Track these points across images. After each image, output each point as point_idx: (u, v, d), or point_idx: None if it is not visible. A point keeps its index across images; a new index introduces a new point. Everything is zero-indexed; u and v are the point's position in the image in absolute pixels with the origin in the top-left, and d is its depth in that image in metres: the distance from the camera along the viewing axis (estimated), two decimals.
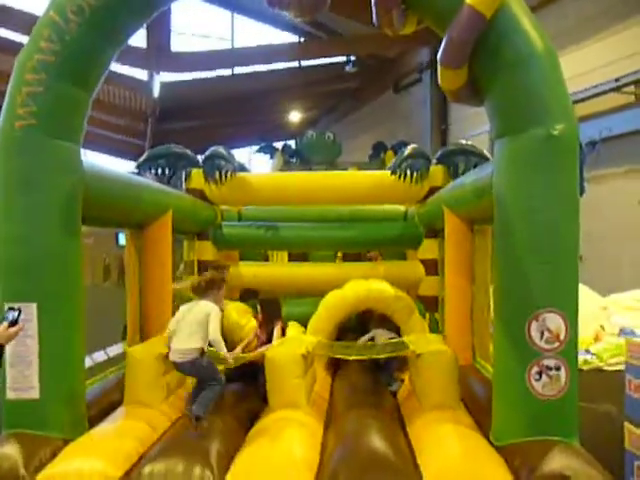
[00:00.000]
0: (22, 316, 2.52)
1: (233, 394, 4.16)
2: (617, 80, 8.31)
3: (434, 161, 6.00)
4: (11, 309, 2.50)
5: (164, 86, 15.58)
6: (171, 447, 3.04)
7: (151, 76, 15.50)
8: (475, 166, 5.40)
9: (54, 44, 3.14)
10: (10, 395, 3.07)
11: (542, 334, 2.94)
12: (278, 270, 6.75)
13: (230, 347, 5.33)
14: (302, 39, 17.20)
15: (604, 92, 8.40)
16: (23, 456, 2.83)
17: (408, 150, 6.05)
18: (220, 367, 3.89)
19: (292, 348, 3.93)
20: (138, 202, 4.40)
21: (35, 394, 3.12)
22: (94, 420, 3.48)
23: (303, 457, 3.04)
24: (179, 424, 3.57)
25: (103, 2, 3.15)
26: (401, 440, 3.34)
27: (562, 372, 2.96)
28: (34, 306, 3.12)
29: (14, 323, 2.47)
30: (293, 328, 5.35)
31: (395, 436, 3.32)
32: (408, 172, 5.86)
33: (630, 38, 8.40)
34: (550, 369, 2.95)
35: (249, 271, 6.35)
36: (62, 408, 3.21)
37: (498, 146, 3.21)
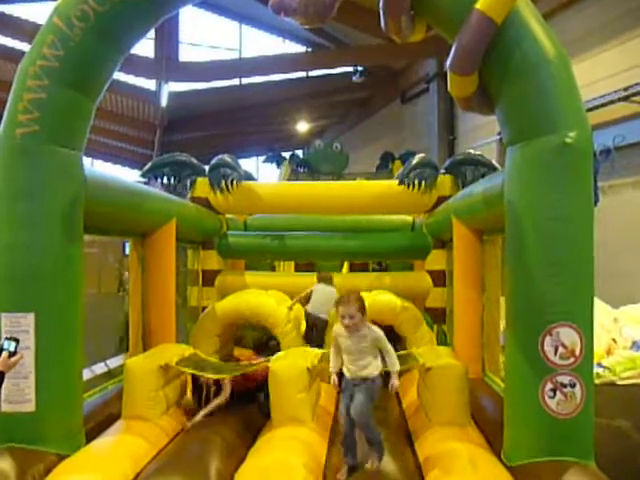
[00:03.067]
0: (20, 345, 2.53)
1: (234, 409, 4.06)
2: (626, 89, 8.21)
3: (442, 171, 5.94)
4: (8, 339, 2.51)
5: (172, 96, 15.63)
6: (169, 465, 2.95)
7: (159, 86, 15.56)
8: (483, 176, 5.33)
9: (58, 50, 3.09)
10: (5, 408, 2.96)
11: (556, 349, 2.82)
12: (284, 280, 6.66)
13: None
14: (310, 49, 17.25)
15: (612, 102, 8.30)
16: (16, 472, 2.73)
17: (416, 159, 5.99)
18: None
19: (296, 361, 3.82)
20: (141, 210, 4.34)
21: (31, 407, 3.02)
22: (93, 433, 3.40)
23: (305, 477, 2.92)
24: (178, 439, 3.48)
25: (108, 8, 3.09)
26: (409, 459, 3.22)
27: (577, 389, 2.83)
28: (32, 316, 3.04)
29: (14, 353, 2.48)
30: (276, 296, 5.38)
31: (402, 455, 3.20)
32: (416, 181, 5.80)
33: (639, 47, 8.32)
34: (565, 386, 2.82)
35: (255, 281, 6.28)
36: (58, 422, 3.12)
37: (510, 154, 3.12)
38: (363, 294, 5.15)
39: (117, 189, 3.95)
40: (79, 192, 3.25)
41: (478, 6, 2.87)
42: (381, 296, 5.08)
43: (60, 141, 3.17)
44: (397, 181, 5.97)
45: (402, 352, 4.44)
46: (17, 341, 2.50)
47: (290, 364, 3.75)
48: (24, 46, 11.13)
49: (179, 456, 3.15)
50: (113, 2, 3.08)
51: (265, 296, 5.25)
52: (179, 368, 3.89)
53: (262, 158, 12.08)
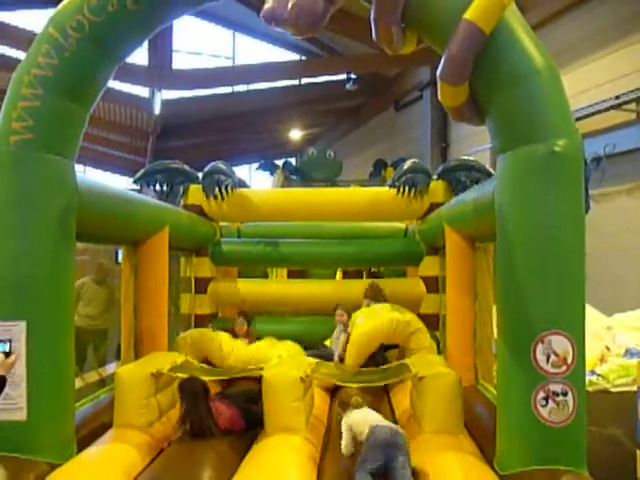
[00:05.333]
0: (13, 346, 2.53)
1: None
2: (617, 97, 8.30)
3: (435, 177, 5.95)
4: (0, 341, 2.51)
5: (165, 103, 15.64)
6: (162, 475, 2.93)
7: (152, 93, 15.57)
8: (477, 182, 5.35)
9: (52, 59, 3.11)
10: None
11: (548, 357, 2.83)
12: (277, 287, 6.67)
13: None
14: (303, 58, 17.33)
15: (604, 110, 8.39)
16: None
17: (407, 165, 6.01)
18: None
19: (290, 370, 3.81)
20: (133, 218, 4.33)
21: (22, 416, 3.00)
22: (85, 441, 3.37)
23: None
24: (170, 449, 3.46)
25: (103, 18, 3.11)
26: None
27: (569, 398, 2.84)
28: (23, 324, 3.03)
29: (8, 354, 2.47)
30: (291, 347, 5.25)
31: None
32: (407, 187, 5.81)
33: (630, 55, 8.41)
34: (557, 394, 2.83)
35: (247, 288, 6.27)
36: (50, 431, 3.09)
37: (500, 162, 3.15)
38: (375, 313, 5.14)
39: (109, 197, 3.95)
40: (71, 200, 3.25)
41: (467, 16, 2.90)
42: (394, 314, 4.97)
43: (53, 149, 3.17)
44: (389, 187, 5.99)
45: (395, 363, 4.43)
46: (10, 341, 2.49)
47: (283, 373, 3.74)
48: (19, 54, 11.14)
49: (171, 466, 3.13)
50: (108, 13, 3.09)
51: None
52: (171, 374, 3.88)
53: (255, 166, 12.08)
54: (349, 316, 5.14)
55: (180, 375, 3.89)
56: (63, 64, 3.11)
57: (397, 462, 2.91)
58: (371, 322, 4.97)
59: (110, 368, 6.12)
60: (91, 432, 3.56)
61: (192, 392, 3.69)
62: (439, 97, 3.27)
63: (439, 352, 5.16)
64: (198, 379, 3.80)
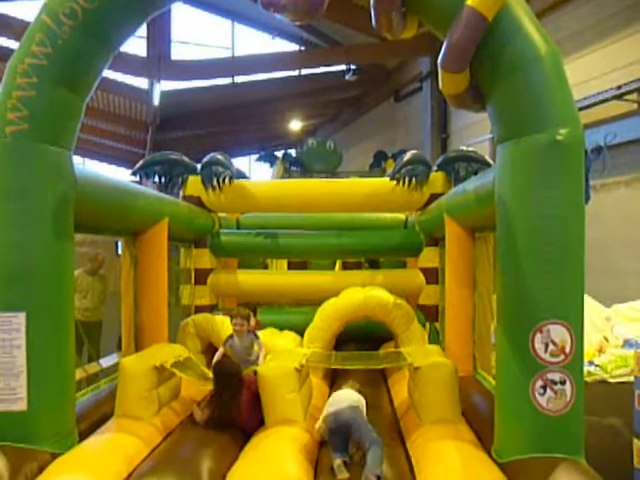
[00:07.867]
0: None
1: None
2: (619, 88, 8.26)
3: (435, 168, 5.94)
4: None
5: (164, 95, 15.58)
6: (162, 464, 2.94)
7: (151, 85, 15.50)
8: (476, 172, 5.34)
9: (46, 48, 3.07)
10: None
11: (547, 346, 2.83)
12: (277, 278, 6.67)
13: None
14: (303, 48, 17.24)
15: (605, 100, 8.35)
16: (9, 470, 2.72)
17: (408, 156, 6.00)
18: None
19: (284, 362, 3.81)
20: (132, 209, 4.31)
21: (23, 406, 3.00)
22: (86, 432, 3.38)
23: (297, 475, 2.92)
24: (171, 439, 3.47)
25: (97, 5, 3.07)
26: (401, 459, 3.23)
27: (567, 386, 2.84)
28: (23, 315, 3.02)
29: None
30: (289, 337, 5.27)
31: (394, 455, 3.20)
32: (407, 178, 5.80)
33: (632, 45, 8.36)
34: (555, 383, 2.84)
35: (247, 279, 6.28)
36: (51, 421, 3.10)
37: (500, 151, 3.13)
38: (354, 288, 5.21)
39: (108, 188, 3.93)
40: (69, 191, 3.23)
41: (469, 2, 2.87)
42: (373, 292, 5.08)
43: (50, 139, 3.14)
44: (389, 179, 5.98)
45: (391, 350, 4.45)
46: None
47: (278, 365, 3.76)
48: (12, 44, 11.06)
49: (172, 455, 3.14)
50: None
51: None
52: (174, 371, 3.88)
53: (255, 157, 12.05)
54: (249, 323, 4.47)
55: (177, 372, 3.90)
56: (57, 52, 3.07)
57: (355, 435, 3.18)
58: (349, 293, 5.09)
59: (106, 361, 6.10)
60: (92, 423, 3.57)
61: (226, 373, 3.75)
62: (440, 85, 3.24)
63: (434, 342, 5.18)
64: (234, 362, 3.92)
